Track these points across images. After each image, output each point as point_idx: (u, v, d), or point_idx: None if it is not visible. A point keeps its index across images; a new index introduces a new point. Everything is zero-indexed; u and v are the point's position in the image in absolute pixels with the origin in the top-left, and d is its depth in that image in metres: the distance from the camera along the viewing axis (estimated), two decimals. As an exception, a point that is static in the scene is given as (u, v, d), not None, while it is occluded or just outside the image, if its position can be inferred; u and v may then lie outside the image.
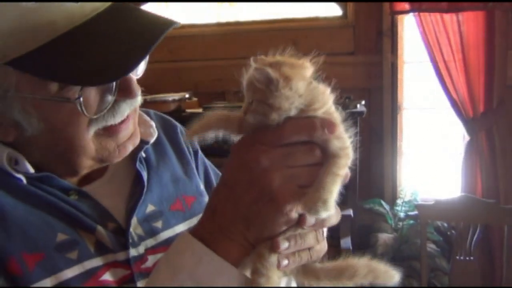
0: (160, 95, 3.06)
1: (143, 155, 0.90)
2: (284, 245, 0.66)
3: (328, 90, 0.66)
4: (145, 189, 0.85)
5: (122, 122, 0.77)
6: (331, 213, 0.63)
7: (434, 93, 3.18)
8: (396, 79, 3.24)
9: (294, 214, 0.65)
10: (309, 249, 0.69)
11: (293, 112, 0.63)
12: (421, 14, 3.00)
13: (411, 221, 3.10)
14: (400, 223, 3.14)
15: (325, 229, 0.72)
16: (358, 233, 3.06)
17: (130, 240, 0.80)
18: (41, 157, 0.77)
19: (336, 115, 0.67)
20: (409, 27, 3.23)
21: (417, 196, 3.19)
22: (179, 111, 2.98)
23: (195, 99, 3.19)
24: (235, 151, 0.66)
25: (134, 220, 0.82)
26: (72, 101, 0.70)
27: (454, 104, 3.05)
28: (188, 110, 2.98)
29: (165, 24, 0.72)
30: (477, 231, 2.75)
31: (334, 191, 0.63)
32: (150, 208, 0.86)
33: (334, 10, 3.35)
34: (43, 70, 0.67)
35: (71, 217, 0.76)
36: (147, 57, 0.77)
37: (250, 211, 0.64)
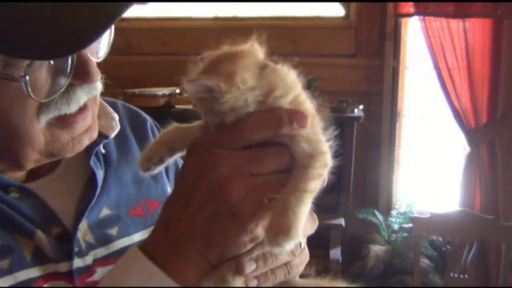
0: (149, 89, 2.96)
1: (102, 150, 0.82)
2: (250, 267, 0.59)
3: (293, 74, 0.58)
4: (98, 190, 0.78)
5: (79, 112, 0.69)
6: (296, 242, 0.55)
7: (435, 101, 3.14)
8: (396, 84, 3.17)
9: (259, 231, 0.58)
10: (285, 264, 0.64)
11: (251, 108, 0.56)
12: (426, 18, 2.94)
13: (405, 234, 3.01)
14: (394, 235, 3.06)
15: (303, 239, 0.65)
16: (349, 243, 2.96)
17: (77, 249, 0.73)
18: None
19: (308, 106, 0.58)
20: (412, 31, 3.17)
21: (413, 208, 3.12)
22: (168, 106, 2.88)
23: (186, 94, 3.06)
24: (190, 154, 0.60)
25: (83, 225, 0.75)
26: (17, 79, 0.60)
27: (456, 113, 2.98)
28: (178, 106, 2.89)
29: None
30: (474, 248, 2.67)
31: (301, 214, 0.54)
32: (105, 211, 0.79)
33: (336, 10, 3.28)
34: None
35: (6, 219, 0.68)
36: (111, 38, 0.71)
37: (209, 227, 0.58)
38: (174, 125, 0.64)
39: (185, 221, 0.59)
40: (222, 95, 0.54)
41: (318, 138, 0.57)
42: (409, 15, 2.99)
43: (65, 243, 0.73)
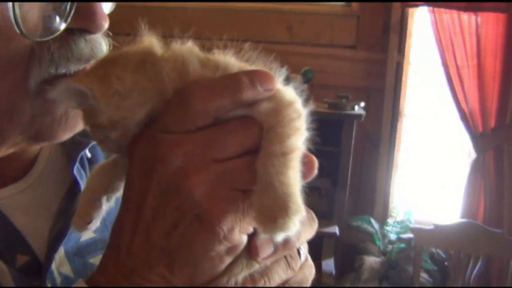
0: None
1: (88, 154, 0.73)
2: None
3: (182, 44, 0.50)
4: None
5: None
6: (301, 217, 0.45)
7: (441, 101, 3.04)
8: (400, 81, 3.03)
9: (237, 236, 0.48)
10: (284, 283, 0.54)
11: (148, 108, 0.47)
12: (436, 10, 2.80)
13: (402, 245, 2.90)
14: (390, 246, 2.92)
15: (303, 246, 0.55)
16: (341, 254, 2.79)
17: (49, 284, 0.63)
18: None
19: (232, 62, 0.50)
20: (420, 23, 3.03)
21: (411, 216, 2.98)
22: None
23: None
24: (132, 151, 0.49)
25: (60, 253, 0.65)
26: None
27: (463, 115, 2.86)
28: None
29: None
30: (479, 263, 2.55)
31: (291, 181, 0.45)
32: (88, 235, 0.70)
33: None
34: None
35: None
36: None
37: (170, 241, 0.47)
38: (97, 166, 0.56)
39: (138, 240, 0.48)
40: (97, 102, 0.47)
41: (280, 90, 0.49)
42: (417, 5, 2.86)
43: (34, 277, 0.63)
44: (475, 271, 2.52)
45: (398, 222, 2.95)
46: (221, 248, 0.47)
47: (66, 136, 0.62)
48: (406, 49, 3.01)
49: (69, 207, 0.67)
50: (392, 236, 2.93)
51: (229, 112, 0.47)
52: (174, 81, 0.48)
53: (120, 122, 0.48)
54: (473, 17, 2.74)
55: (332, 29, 3.04)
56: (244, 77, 0.47)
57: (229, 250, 0.48)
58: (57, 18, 0.53)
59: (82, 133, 0.65)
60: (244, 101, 0.47)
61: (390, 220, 2.99)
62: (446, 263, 2.79)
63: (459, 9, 2.74)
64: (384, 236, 2.95)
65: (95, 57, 0.59)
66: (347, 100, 2.66)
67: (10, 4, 0.49)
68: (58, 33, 0.53)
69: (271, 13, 3.06)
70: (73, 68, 0.56)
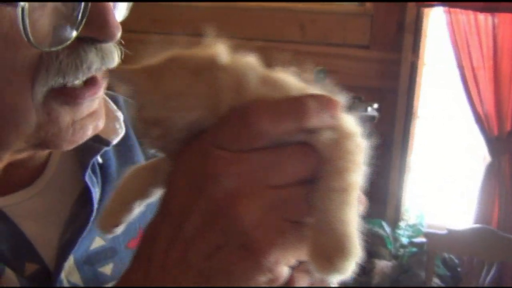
0: None
1: (99, 160, 0.71)
2: None
3: (243, 57, 0.48)
4: (93, 214, 0.66)
5: (88, 85, 0.57)
6: (357, 259, 0.44)
7: (455, 103, 3.01)
8: (414, 82, 3.00)
9: (281, 269, 0.45)
10: None
11: (196, 115, 0.46)
12: (452, 10, 2.77)
13: (414, 249, 2.87)
14: (402, 250, 2.90)
15: None
16: None
17: None
18: None
19: (291, 81, 0.48)
20: (435, 23, 3.00)
21: (423, 220, 2.97)
22: None
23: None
24: (180, 161, 0.47)
25: (69, 261, 0.65)
26: (10, 4, 0.48)
27: (478, 118, 2.83)
28: None
29: None
30: (493, 270, 2.52)
31: (351, 220, 0.43)
32: (98, 242, 0.69)
33: None
34: None
35: None
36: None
37: (209, 265, 0.45)
38: (135, 167, 0.54)
39: (174, 257, 0.47)
40: (141, 97, 0.48)
41: (342, 119, 0.47)
42: (432, 5, 2.84)
43: (43, 286, 0.63)
44: (488, 278, 2.48)
45: (410, 226, 2.94)
46: (262, 279, 0.46)
47: (71, 146, 0.61)
48: (421, 49, 2.99)
49: (79, 214, 0.67)
50: (404, 240, 2.91)
51: (290, 137, 0.46)
52: (230, 95, 0.46)
53: (162, 122, 0.47)
54: (489, 17, 2.71)
55: (345, 29, 3.03)
56: (311, 102, 0.45)
57: (270, 282, 0.47)
58: (68, 28, 0.53)
59: (94, 138, 0.65)
60: (308, 128, 0.45)
61: (402, 224, 2.97)
62: (459, 269, 2.77)
63: (475, 9, 2.71)
64: (396, 239, 2.94)
65: (105, 66, 0.58)
66: (360, 101, 2.62)
67: (19, 12, 0.48)
68: (68, 42, 0.52)
69: (283, 11, 3.05)
70: (82, 77, 0.55)
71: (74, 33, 0.53)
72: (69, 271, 0.66)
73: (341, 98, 0.48)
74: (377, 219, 2.96)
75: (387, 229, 2.93)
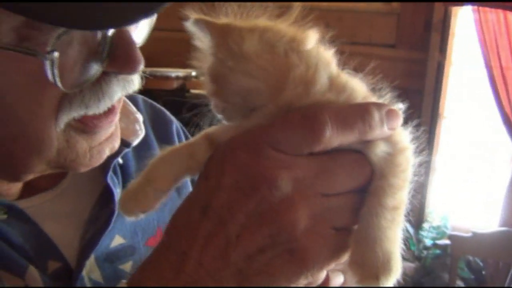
0: (162, 69, 2.77)
1: (120, 161, 0.73)
2: None
3: (321, 49, 0.48)
4: (115, 214, 0.67)
5: (106, 113, 0.59)
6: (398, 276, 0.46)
7: (483, 103, 2.99)
8: (440, 81, 2.99)
9: (321, 274, 0.48)
10: None
11: (253, 85, 0.46)
12: (481, 9, 2.74)
13: (438, 251, 2.86)
14: (425, 252, 2.90)
15: None
16: None
17: None
18: None
19: (358, 86, 0.49)
20: (463, 22, 2.98)
21: (447, 221, 2.96)
22: (183, 90, 2.83)
23: (202, 78, 2.84)
24: (230, 155, 0.46)
25: (90, 259, 0.66)
26: (41, 56, 0.50)
27: (506, 119, 2.81)
28: (193, 91, 2.74)
29: None
30: None
31: (398, 240, 0.46)
32: (118, 241, 0.70)
33: None
34: None
35: None
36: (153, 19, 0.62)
37: (250, 265, 0.46)
38: (167, 151, 0.52)
39: (212, 253, 0.47)
40: (210, 47, 0.48)
41: (396, 132, 0.47)
42: (461, 3, 2.81)
43: (65, 283, 0.65)
44: None
45: (434, 228, 2.93)
46: (303, 282, 0.47)
47: (87, 169, 0.64)
48: (448, 49, 2.97)
49: (100, 214, 0.69)
50: (428, 242, 2.90)
51: (347, 145, 0.46)
52: (297, 87, 0.46)
53: (220, 79, 0.47)
54: None
55: (371, 27, 3.03)
56: (375, 113, 0.46)
57: (308, 284, 0.48)
58: (93, 64, 0.54)
59: None
60: (369, 139, 0.46)
61: (425, 225, 2.96)
62: (483, 272, 2.75)
63: (505, 8, 2.67)
64: (419, 241, 2.93)
65: (126, 93, 0.60)
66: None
67: (48, 64, 0.50)
68: (93, 79, 0.55)
69: (308, 9, 3.04)
70: (103, 107, 0.57)
71: (99, 69, 0.55)
72: (90, 268, 0.67)
73: (399, 108, 0.49)
74: None
75: (411, 230, 2.90)
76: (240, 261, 0.46)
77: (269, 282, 0.47)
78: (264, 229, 0.45)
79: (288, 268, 0.46)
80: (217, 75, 0.48)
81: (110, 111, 0.61)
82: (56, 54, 0.51)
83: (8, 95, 0.54)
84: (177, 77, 2.74)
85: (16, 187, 0.65)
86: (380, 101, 0.49)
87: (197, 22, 0.49)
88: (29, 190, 0.67)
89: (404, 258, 1.95)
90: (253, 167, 0.46)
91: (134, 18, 0.51)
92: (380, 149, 0.46)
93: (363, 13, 3.04)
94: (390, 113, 0.47)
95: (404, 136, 0.48)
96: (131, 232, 0.72)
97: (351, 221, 0.47)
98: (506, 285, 2.48)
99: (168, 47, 2.98)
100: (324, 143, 0.45)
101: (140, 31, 0.62)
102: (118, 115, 0.64)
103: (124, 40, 0.56)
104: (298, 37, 0.48)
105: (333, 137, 0.45)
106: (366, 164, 0.47)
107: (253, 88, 0.46)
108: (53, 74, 0.52)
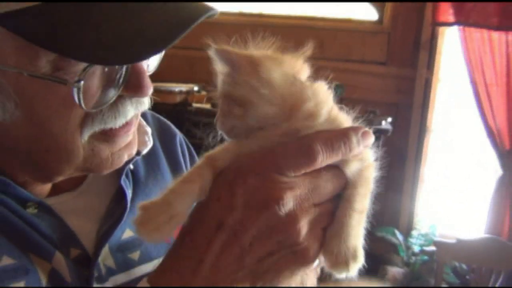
0: (166, 84, 2.86)
1: (131, 167, 0.80)
2: None
3: (324, 87, 0.56)
4: (127, 211, 0.74)
5: (123, 126, 0.67)
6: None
7: (468, 117, 3.05)
8: (428, 97, 3.07)
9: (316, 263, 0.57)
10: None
11: (271, 111, 0.53)
12: (466, 28, 2.82)
13: (425, 257, 2.92)
14: (413, 258, 2.96)
15: None
16: (365, 262, 2.82)
17: (96, 274, 0.70)
18: (1, 155, 0.66)
19: (344, 118, 0.57)
20: (449, 42, 3.06)
21: (435, 229, 3.02)
22: (185, 104, 2.81)
23: (204, 92, 2.94)
24: (239, 179, 0.54)
25: (105, 248, 0.72)
26: (70, 84, 0.57)
27: (490, 132, 2.88)
28: (195, 105, 2.79)
29: (204, 8, 0.61)
30: (500, 278, 2.56)
31: (361, 236, 0.56)
32: (128, 234, 0.76)
33: (369, 14, 3.17)
34: (37, 33, 0.54)
35: (23, 237, 0.65)
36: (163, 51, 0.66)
37: (261, 266, 0.55)
38: (179, 180, 0.56)
39: (228, 259, 0.54)
40: (239, 75, 0.52)
41: (365, 151, 0.55)
42: (448, 24, 2.88)
43: (84, 267, 0.69)
44: (497, 286, 2.53)
45: (422, 235, 2.98)
46: (302, 274, 0.58)
47: (109, 171, 0.71)
48: (436, 66, 3.04)
49: (114, 211, 0.76)
50: (416, 248, 2.95)
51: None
52: (305, 118, 0.54)
53: (247, 104, 0.53)
54: (503, 36, 2.75)
55: (363, 46, 3.10)
56: (354, 138, 0.54)
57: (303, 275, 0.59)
58: (112, 89, 0.62)
59: None
60: (348, 158, 0.55)
61: (414, 233, 3.01)
62: (467, 277, 2.80)
63: (489, 28, 2.74)
64: (408, 248, 2.98)
65: (138, 112, 0.68)
66: (374, 115, 2.73)
67: (75, 91, 0.58)
68: (111, 101, 0.63)
69: (304, 29, 3.14)
70: (119, 123, 0.65)
71: (115, 93, 0.62)
72: (104, 256, 0.73)
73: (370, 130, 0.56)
74: (391, 227, 3.03)
75: (400, 237, 2.98)
76: (252, 264, 0.54)
77: (277, 276, 0.56)
78: (273, 238, 0.53)
79: (292, 265, 0.55)
80: (245, 100, 0.53)
81: (127, 124, 0.67)
82: (82, 83, 0.58)
83: (42, 114, 0.61)
84: (180, 92, 2.81)
85: (46, 187, 0.72)
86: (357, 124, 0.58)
87: (219, 52, 0.54)
88: (56, 189, 0.74)
89: (394, 264, 2.13)
90: (262, 190, 0.53)
91: (145, 56, 0.58)
92: (354, 166, 0.55)
93: (356, 32, 3.12)
94: (364, 135, 0.55)
95: (370, 154, 0.56)
96: None
97: (330, 221, 0.56)
98: (488, 289, 2.57)
99: (172, 64, 3.14)
100: (317, 166, 0.54)
101: (153, 60, 0.70)
102: (136, 127, 0.71)
103: (137, 70, 0.63)
104: (303, 70, 0.55)
105: (324, 161, 0.53)
106: (343, 177, 0.56)
107: (272, 113, 0.53)
108: (79, 98, 0.59)
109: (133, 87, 0.63)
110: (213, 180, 0.56)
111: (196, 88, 2.87)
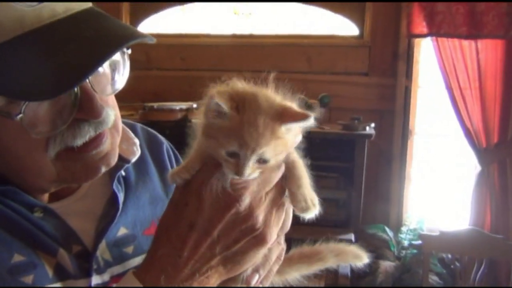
0: (168, 103, 3.04)
1: (123, 174, 0.85)
2: (255, 278, 0.68)
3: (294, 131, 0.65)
4: (119, 212, 0.80)
5: (91, 141, 0.69)
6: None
7: (447, 120, 3.15)
8: (408, 103, 3.20)
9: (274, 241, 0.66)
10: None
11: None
12: (439, 39, 2.97)
13: (415, 251, 3.04)
14: (403, 252, 3.07)
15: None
16: None
17: (95, 266, 0.75)
18: (6, 169, 0.71)
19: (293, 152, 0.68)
20: (425, 51, 3.20)
21: (423, 224, 3.13)
22: (185, 120, 2.92)
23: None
24: (205, 186, 0.63)
25: (102, 244, 0.77)
26: (13, 117, 0.62)
27: (467, 132, 3.00)
28: (194, 120, 2.91)
29: (130, 35, 0.64)
30: (483, 266, 2.69)
31: (310, 189, 0.67)
32: (122, 231, 0.81)
33: (350, 30, 3.34)
34: None
35: (31, 237, 0.71)
36: (127, 71, 0.72)
37: (229, 251, 0.63)
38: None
39: (202, 251, 0.63)
40: (228, 120, 0.59)
41: (292, 153, 0.67)
42: (422, 35, 3.03)
43: (85, 260, 0.75)
44: (479, 273, 2.67)
45: (411, 230, 3.09)
46: (264, 251, 0.66)
47: (88, 181, 0.76)
48: (414, 74, 3.18)
49: (109, 212, 0.80)
50: (406, 243, 3.07)
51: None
52: (286, 153, 0.66)
53: (232, 139, 0.59)
54: (473, 44, 2.90)
55: (347, 59, 3.25)
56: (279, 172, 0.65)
57: (265, 251, 0.67)
58: (64, 113, 0.65)
59: (119, 158, 0.79)
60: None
61: (403, 228, 3.13)
62: (452, 266, 2.90)
63: (460, 37, 2.89)
64: (398, 243, 3.10)
65: (100, 131, 0.69)
66: (359, 121, 2.87)
67: (18, 121, 0.61)
68: (66, 125, 0.65)
69: (293, 47, 3.30)
70: (80, 142, 0.68)
71: (69, 117, 0.65)
72: (102, 251, 0.77)
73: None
74: (381, 224, 3.17)
75: (390, 233, 3.11)
76: (222, 251, 0.62)
77: (243, 257, 0.64)
78: (236, 229, 0.62)
79: (255, 247, 0.63)
80: (231, 134, 0.59)
81: (95, 138, 0.69)
82: (20, 116, 0.61)
83: (6, 141, 0.65)
84: (181, 109, 2.93)
85: (48, 194, 0.77)
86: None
87: (216, 103, 0.59)
88: (58, 195, 0.78)
89: (386, 258, 2.36)
90: (224, 193, 0.61)
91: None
92: (290, 158, 0.66)
93: (340, 47, 3.27)
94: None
95: (296, 154, 0.67)
96: (132, 224, 0.83)
97: (283, 193, 0.65)
98: (472, 277, 2.66)
99: (172, 84, 3.34)
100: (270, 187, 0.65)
101: (121, 76, 0.72)
102: (109, 140, 0.72)
103: (85, 95, 0.65)
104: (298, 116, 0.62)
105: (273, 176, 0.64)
106: (283, 166, 0.65)
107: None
108: (27, 127, 0.63)
109: (84, 110, 0.66)
110: (178, 189, 0.66)
111: (194, 105, 3.01)
